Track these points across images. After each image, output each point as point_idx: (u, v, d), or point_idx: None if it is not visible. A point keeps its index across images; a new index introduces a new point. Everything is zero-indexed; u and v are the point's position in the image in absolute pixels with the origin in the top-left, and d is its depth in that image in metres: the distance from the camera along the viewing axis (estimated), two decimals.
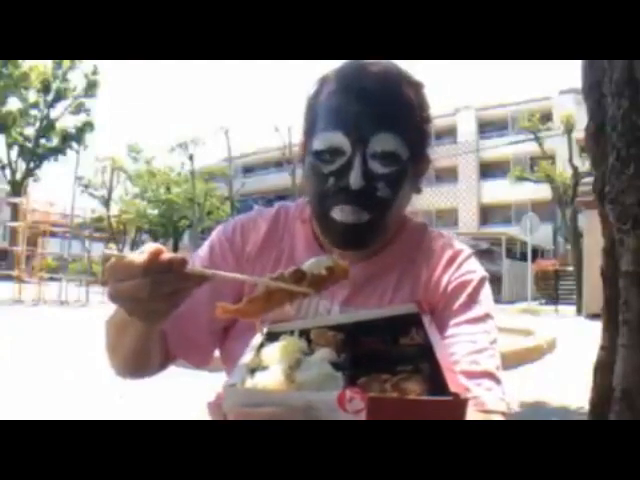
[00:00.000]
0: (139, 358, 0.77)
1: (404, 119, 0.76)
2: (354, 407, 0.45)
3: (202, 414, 0.74)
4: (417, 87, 0.79)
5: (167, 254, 0.54)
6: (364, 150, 0.73)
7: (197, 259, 0.84)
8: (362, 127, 0.73)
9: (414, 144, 0.77)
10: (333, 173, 0.75)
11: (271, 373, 0.54)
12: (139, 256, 0.54)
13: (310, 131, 0.79)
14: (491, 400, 0.69)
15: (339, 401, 0.45)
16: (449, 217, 27.86)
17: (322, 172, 0.76)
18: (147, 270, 0.53)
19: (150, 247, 0.54)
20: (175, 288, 0.55)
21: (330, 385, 0.51)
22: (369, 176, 0.73)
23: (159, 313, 0.58)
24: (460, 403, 0.46)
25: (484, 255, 19.11)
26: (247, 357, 0.60)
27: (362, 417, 0.45)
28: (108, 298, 0.56)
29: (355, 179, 0.72)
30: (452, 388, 0.47)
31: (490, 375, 0.71)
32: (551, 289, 16.50)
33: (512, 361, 5.22)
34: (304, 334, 0.66)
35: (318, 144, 0.76)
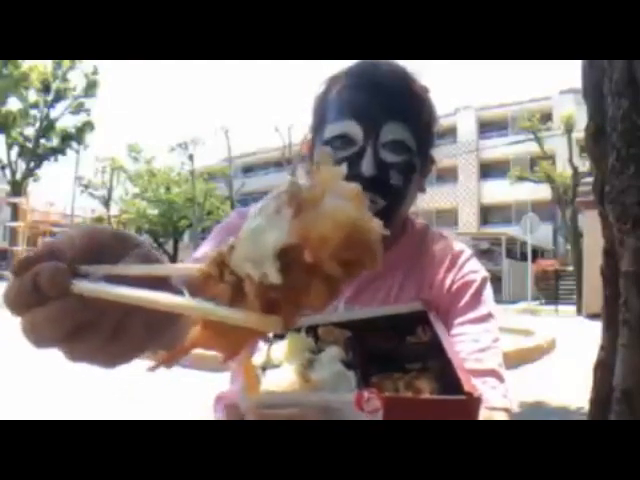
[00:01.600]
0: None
1: (414, 112, 0.77)
2: (371, 407, 0.46)
3: (202, 414, 0.74)
4: (424, 88, 0.81)
5: (33, 273, 0.32)
6: (375, 140, 0.74)
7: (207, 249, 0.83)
8: (374, 116, 0.75)
9: (421, 139, 0.79)
10: (344, 160, 0.75)
11: (284, 373, 0.54)
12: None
13: (320, 125, 0.80)
14: (495, 397, 0.70)
15: (357, 401, 0.46)
16: (449, 217, 27.84)
17: (333, 160, 0.76)
18: (26, 305, 0.33)
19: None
20: (73, 321, 0.33)
21: (343, 384, 0.52)
22: (381, 165, 0.74)
23: (92, 355, 0.35)
24: (474, 401, 0.47)
25: (484, 255, 19.12)
26: (258, 356, 0.59)
27: (379, 416, 0.46)
28: None
29: (367, 167, 0.73)
30: (465, 386, 0.47)
31: (494, 373, 0.72)
32: (551, 289, 16.50)
33: (512, 361, 5.22)
34: (311, 331, 0.66)
35: (330, 132, 0.77)
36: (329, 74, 0.83)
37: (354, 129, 0.75)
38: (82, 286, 0.32)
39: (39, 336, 0.34)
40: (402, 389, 0.51)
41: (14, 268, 0.33)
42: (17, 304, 0.33)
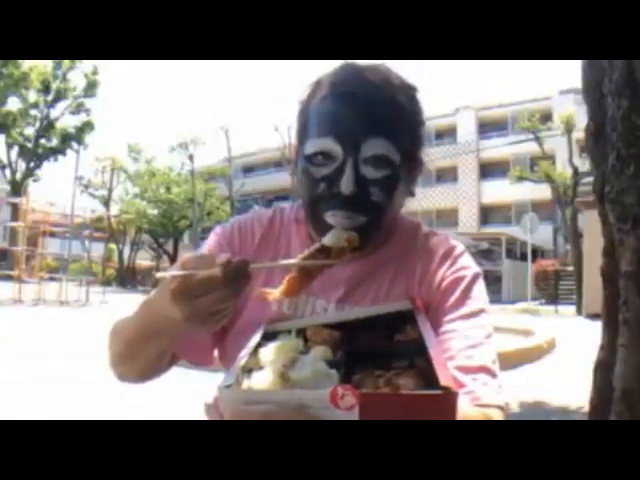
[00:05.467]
0: (159, 363, 0.78)
1: (395, 124, 0.76)
2: (346, 403, 0.46)
3: (202, 414, 0.74)
4: (410, 91, 0.79)
5: (234, 261, 0.56)
6: (356, 155, 0.73)
7: None
8: (353, 133, 0.73)
9: (406, 148, 0.77)
10: (325, 178, 0.75)
11: (266, 373, 0.54)
12: (210, 269, 0.55)
13: (302, 135, 0.80)
14: (487, 394, 0.69)
15: (332, 398, 0.46)
16: (449, 217, 27.85)
17: (314, 177, 0.76)
18: (227, 280, 0.55)
19: (206, 258, 0.56)
20: (243, 292, 0.58)
21: (325, 383, 0.52)
22: (361, 181, 0.73)
23: (226, 317, 0.60)
24: (450, 397, 0.46)
25: (484, 255, 19.12)
26: (244, 358, 0.60)
27: (355, 413, 0.46)
28: (183, 318, 0.56)
29: (346, 185, 0.72)
30: (442, 382, 0.47)
31: (486, 369, 0.71)
32: (551, 289, 16.48)
33: (512, 361, 5.22)
34: (301, 333, 0.66)
35: (310, 148, 0.76)
36: (314, 77, 0.81)
37: (333, 146, 0.74)
38: (254, 266, 0.59)
39: (211, 305, 0.55)
40: (382, 386, 0.51)
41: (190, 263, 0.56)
42: (197, 292, 0.55)
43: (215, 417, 0.50)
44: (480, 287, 0.80)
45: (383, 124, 0.74)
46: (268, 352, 0.60)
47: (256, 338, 0.67)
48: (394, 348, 0.62)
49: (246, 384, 0.53)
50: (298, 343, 0.62)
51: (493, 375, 0.71)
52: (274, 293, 0.65)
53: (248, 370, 0.57)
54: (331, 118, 0.75)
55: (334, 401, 0.46)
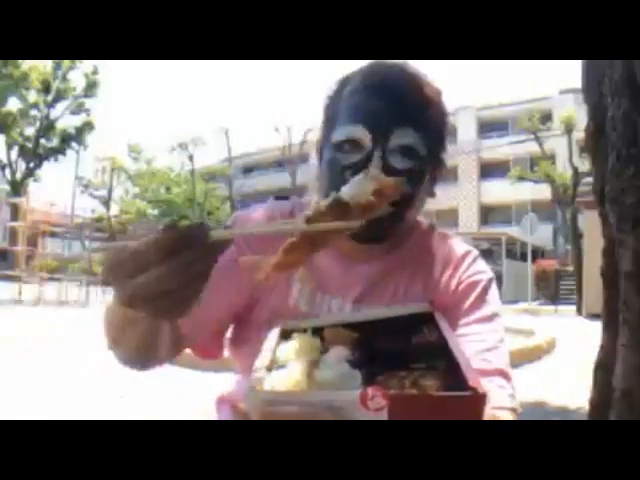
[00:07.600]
0: (147, 352, 0.73)
1: (424, 117, 0.76)
2: (376, 405, 0.46)
3: (202, 414, 0.74)
4: (437, 92, 0.80)
5: (183, 227, 0.43)
6: (384, 145, 0.74)
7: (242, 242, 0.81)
8: (383, 121, 0.74)
9: (432, 143, 0.78)
10: (352, 166, 0.74)
11: (290, 373, 0.54)
12: (150, 241, 0.43)
13: (329, 127, 0.80)
14: (502, 397, 0.70)
15: (362, 399, 0.46)
16: (449, 217, 27.80)
17: (341, 164, 0.75)
18: (169, 252, 0.42)
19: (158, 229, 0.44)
20: (204, 266, 0.45)
21: (349, 383, 0.52)
22: (389, 171, 0.73)
23: (187, 302, 0.46)
24: (479, 398, 0.47)
25: (484, 255, 18.93)
26: (263, 358, 0.59)
27: (384, 414, 0.46)
28: (120, 302, 0.45)
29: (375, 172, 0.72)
30: (471, 383, 0.47)
31: (501, 372, 0.73)
32: (551, 289, 16.49)
33: (512, 361, 5.14)
34: (317, 332, 0.66)
35: (338, 135, 0.76)
36: (339, 74, 0.82)
37: (362, 134, 0.74)
38: (218, 233, 0.45)
39: (163, 283, 0.43)
40: (408, 387, 0.51)
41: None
42: (129, 268, 0.43)
43: (239, 418, 0.50)
44: (494, 292, 0.82)
45: (413, 115, 0.75)
46: (287, 351, 0.59)
47: (274, 336, 0.66)
48: (413, 350, 0.62)
49: (268, 383, 0.53)
50: (316, 342, 0.62)
51: (508, 378, 0.73)
52: (264, 267, 0.51)
53: (268, 369, 0.56)
54: (361, 108, 0.75)
55: (364, 402, 0.46)
